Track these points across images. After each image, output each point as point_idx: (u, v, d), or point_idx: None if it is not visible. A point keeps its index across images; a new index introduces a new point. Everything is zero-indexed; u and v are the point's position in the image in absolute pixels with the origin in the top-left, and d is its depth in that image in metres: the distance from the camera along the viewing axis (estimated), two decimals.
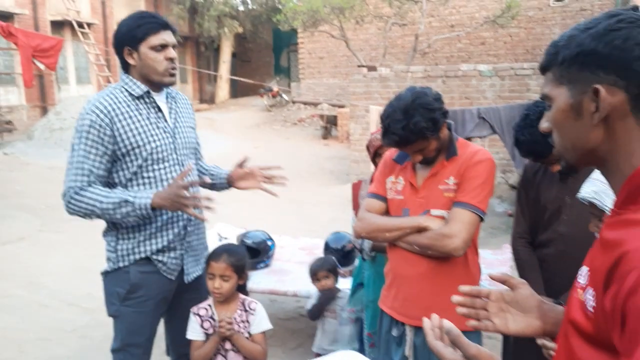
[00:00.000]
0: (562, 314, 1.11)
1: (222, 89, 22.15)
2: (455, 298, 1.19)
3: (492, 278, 1.22)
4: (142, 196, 2.06)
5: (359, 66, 10.36)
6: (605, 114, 0.85)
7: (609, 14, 0.86)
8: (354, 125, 9.87)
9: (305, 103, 18.54)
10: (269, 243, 3.85)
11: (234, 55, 23.32)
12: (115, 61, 17.64)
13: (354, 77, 9.83)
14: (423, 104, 1.92)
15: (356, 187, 2.92)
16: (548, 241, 2.40)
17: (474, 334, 1.98)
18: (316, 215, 7.79)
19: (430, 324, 1.09)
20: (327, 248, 3.80)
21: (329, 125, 14.94)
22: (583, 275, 0.89)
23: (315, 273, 3.10)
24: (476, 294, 1.18)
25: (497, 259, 3.83)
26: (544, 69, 0.95)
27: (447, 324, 1.04)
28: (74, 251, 5.99)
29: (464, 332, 1.21)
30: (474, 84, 8.78)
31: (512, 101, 8.06)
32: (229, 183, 2.48)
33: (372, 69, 9.92)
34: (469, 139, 5.73)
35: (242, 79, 18.04)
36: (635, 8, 0.87)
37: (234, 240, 3.84)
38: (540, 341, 1.33)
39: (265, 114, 18.59)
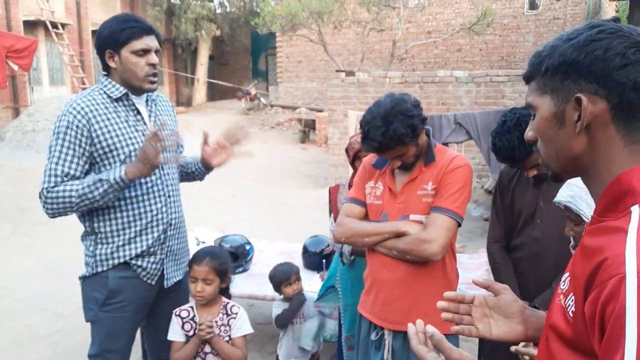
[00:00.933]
0: (544, 319, 1.11)
1: (200, 92, 21.96)
2: (440, 303, 1.19)
3: (476, 283, 1.23)
4: (115, 170, 2.04)
5: (337, 71, 10.40)
6: (587, 122, 0.86)
7: (591, 25, 0.89)
8: (332, 130, 9.91)
9: (283, 107, 18.53)
10: (248, 247, 3.84)
11: (211, 58, 23.15)
12: (90, 62, 17.32)
13: (332, 81, 9.88)
14: (402, 110, 1.95)
15: (334, 191, 2.94)
16: (522, 245, 2.45)
17: (451, 337, 2.01)
18: (294, 219, 7.79)
19: (415, 328, 1.09)
20: (306, 252, 3.81)
21: (307, 129, 14.95)
22: (564, 281, 0.90)
23: (288, 277, 3.02)
24: (460, 299, 1.19)
25: (473, 263, 3.89)
26: (528, 78, 0.97)
27: (431, 328, 1.05)
28: (46, 255, 5.88)
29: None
30: (450, 90, 8.91)
31: (487, 107, 8.20)
32: (204, 166, 2.43)
33: (350, 73, 9.97)
34: (445, 144, 5.82)
35: (219, 82, 17.95)
36: (615, 19, 0.90)
37: (212, 244, 3.81)
38: (513, 348, 1.36)
39: (243, 117, 18.51)
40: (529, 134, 0.99)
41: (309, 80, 19.07)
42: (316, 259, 3.71)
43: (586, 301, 0.79)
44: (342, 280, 2.79)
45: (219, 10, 22.13)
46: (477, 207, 8.15)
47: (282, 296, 3.08)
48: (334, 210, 2.86)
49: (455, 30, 14.92)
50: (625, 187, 0.84)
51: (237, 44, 24.04)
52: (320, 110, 15.32)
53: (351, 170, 2.91)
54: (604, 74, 0.84)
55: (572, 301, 0.84)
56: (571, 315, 0.84)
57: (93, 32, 15.61)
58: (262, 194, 9.24)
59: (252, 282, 3.54)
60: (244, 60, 24.95)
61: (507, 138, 2.26)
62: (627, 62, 0.83)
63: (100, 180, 2.02)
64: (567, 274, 0.91)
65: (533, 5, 15.78)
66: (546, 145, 0.95)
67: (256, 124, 17.52)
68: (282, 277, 3.04)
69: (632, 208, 0.81)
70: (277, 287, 3.06)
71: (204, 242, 3.95)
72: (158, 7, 20.25)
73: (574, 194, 1.55)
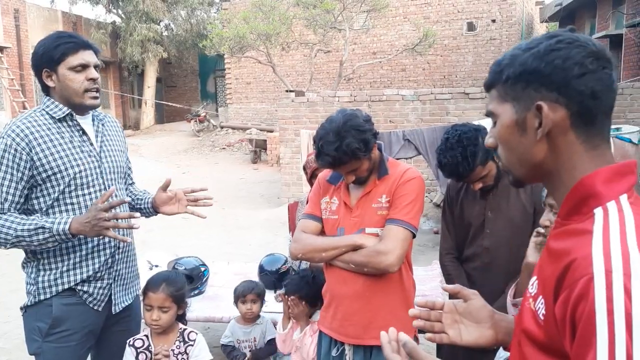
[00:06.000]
0: (513, 323, 1.12)
1: (148, 115, 21.56)
2: (412, 311, 1.19)
3: (446, 290, 1.24)
4: (60, 222, 1.94)
5: (287, 91, 10.48)
6: (547, 129, 0.88)
7: (549, 35, 0.91)
8: (284, 149, 9.92)
9: (233, 128, 18.45)
10: (203, 269, 3.76)
11: (159, 80, 22.84)
12: (32, 86, 16.76)
13: (283, 101, 9.94)
14: (354, 125, 1.98)
15: (293, 208, 2.94)
16: (474, 255, 2.53)
17: None
18: (248, 239, 7.71)
19: (387, 337, 1.08)
20: (262, 271, 3.77)
21: (258, 150, 14.93)
22: (533, 284, 0.92)
23: (244, 294, 2.98)
24: (431, 306, 1.19)
25: (427, 275, 3.97)
26: (488, 86, 0.98)
27: (404, 337, 1.04)
28: None
29: None
30: (397, 108, 9.13)
31: (433, 124, 8.45)
32: (154, 209, 2.37)
33: (300, 93, 10.07)
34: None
35: (168, 104, 17.69)
36: (572, 29, 0.93)
37: (165, 268, 3.72)
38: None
39: (193, 139, 18.28)
40: (489, 140, 1.00)
41: (258, 101, 19.11)
42: (273, 277, 3.67)
43: (556, 303, 0.81)
44: None
45: (165, 33, 21.91)
46: (427, 220, 8.33)
47: (237, 315, 3.03)
48: (292, 227, 2.86)
49: (399, 51, 15.37)
50: (589, 191, 0.86)
51: (185, 66, 23.86)
52: (271, 131, 15.34)
53: (308, 188, 2.93)
54: (564, 82, 0.86)
55: (542, 304, 0.86)
56: (542, 318, 0.85)
57: None
58: (215, 215, 9.11)
59: (208, 305, 3.46)
60: (192, 82, 24.76)
61: (451, 155, 2.33)
62: (585, 71, 0.86)
63: (43, 227, 1.93)
64: (534, 278, 0.92)
65: (471, 27, 16.54)
66: (508, 152, 0.97)
67: (206, 145, 17.34)
68: (242, 291, 3.01)
69: (595, 210, 0.84)
70: (235, 301, 3.04)
71: (157, 266, 3.85)
72: (103, 30, 19.87)
73: None
